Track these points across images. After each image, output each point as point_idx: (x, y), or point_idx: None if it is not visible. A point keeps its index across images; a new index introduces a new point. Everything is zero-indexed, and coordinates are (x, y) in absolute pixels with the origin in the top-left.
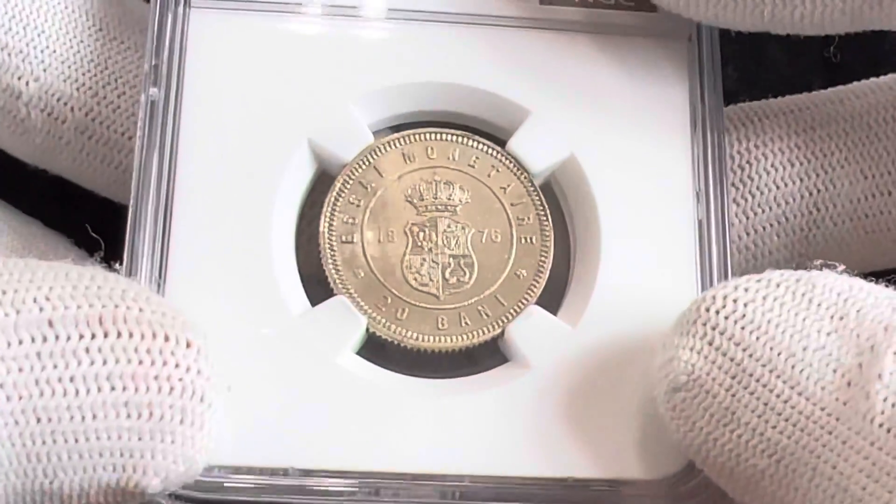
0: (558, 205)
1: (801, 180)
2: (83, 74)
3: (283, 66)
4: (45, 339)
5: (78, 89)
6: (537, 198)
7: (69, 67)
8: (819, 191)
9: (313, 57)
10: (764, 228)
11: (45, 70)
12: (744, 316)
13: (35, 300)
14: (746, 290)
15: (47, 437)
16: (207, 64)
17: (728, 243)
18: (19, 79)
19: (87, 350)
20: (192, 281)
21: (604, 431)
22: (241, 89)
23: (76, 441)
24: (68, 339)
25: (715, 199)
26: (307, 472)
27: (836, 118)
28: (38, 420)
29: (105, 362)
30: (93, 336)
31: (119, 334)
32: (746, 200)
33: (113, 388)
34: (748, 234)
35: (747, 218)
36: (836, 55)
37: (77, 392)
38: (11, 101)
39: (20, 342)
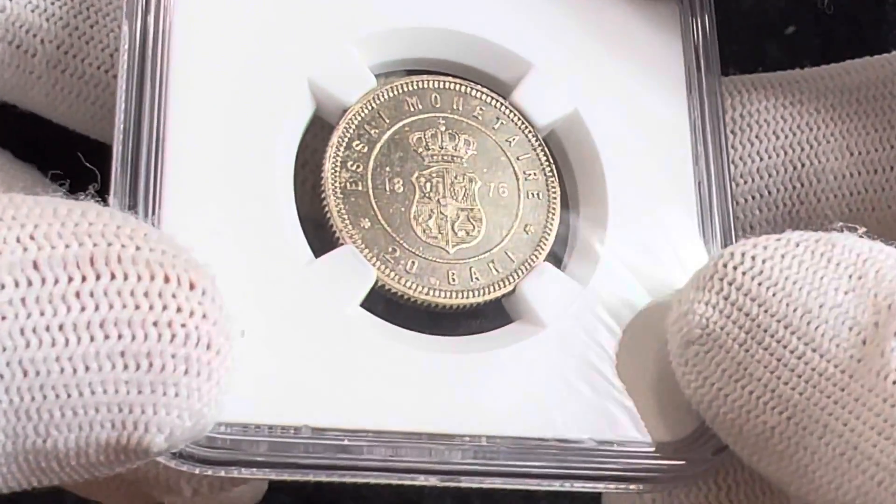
0: (562, 160)
1: (786, 153)
2: (52, 3)
3: (281, 6)
4: (30, 283)
5: (47, 20)
6: (543, 153)
7: (75, 17)
8: (804, 165)
9: None
10: (746, 200)
11: (51, 21)
12: (762, 272)
13: (18, 240)
14: (766, 247)
15: (36, 391)
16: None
17: (730, 204)
18: (27, 31)
19: (78, 294)
20: (188, 225)
21: (619, 392)
22: (237, 23)
23: (68, 396)
24: (56, 282)
25: (715, 159)
26: (321, 431)
27: (825, 93)
28: (26, 373)
29: (97, 308)
30: (83, 279)
31: (113, 276)
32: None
33: (107, 337)
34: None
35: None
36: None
37: (67, 341)
38: (20, 54)
39: (2, 287)
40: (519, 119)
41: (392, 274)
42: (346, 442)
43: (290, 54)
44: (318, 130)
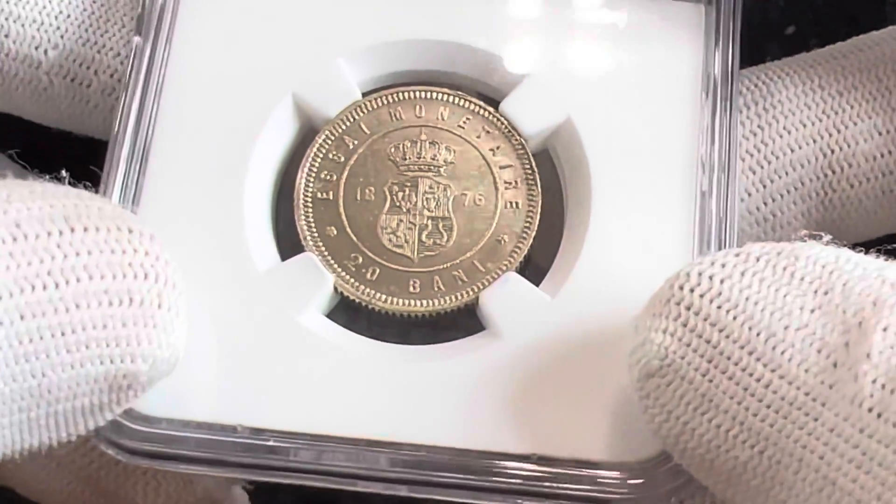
0: (556, 172)
1: (815, 141)
2: (101, 36)
3: (272, 17)
4: (14, 239)
5: (99, 52)
6: (527, 162)
7: (87, 31)
8: (833, 151)
9: (304, 9)
10: (781, 196)
11: (62, 36)
12: (720, 294)
13: None
14: (724, 265)
15: (34, 333)
16: (198, 14)
17: (732, 217)
18: (37, 48)
19: (59, 245)
20: (161, 229)
21: (575, 409)
22: (229, 39)
23: (63, 335)
24: (37, 237)
25: (721, 170)
26: (257, 431)
27: (845, 74)
28: (23, 317)
29: (78, 254)
30: (60, 232)
31: (85, 229)
32: (762, 167)
33: (91, 278)
34: (766, 203)
35: (764, 187)
36: None
37: (57, 285)
38: (31, 71)
39: None
40: (507, 128)
41: (351, 281)
42: (271, 442)
43: (279, 68)
44: (308, 143)
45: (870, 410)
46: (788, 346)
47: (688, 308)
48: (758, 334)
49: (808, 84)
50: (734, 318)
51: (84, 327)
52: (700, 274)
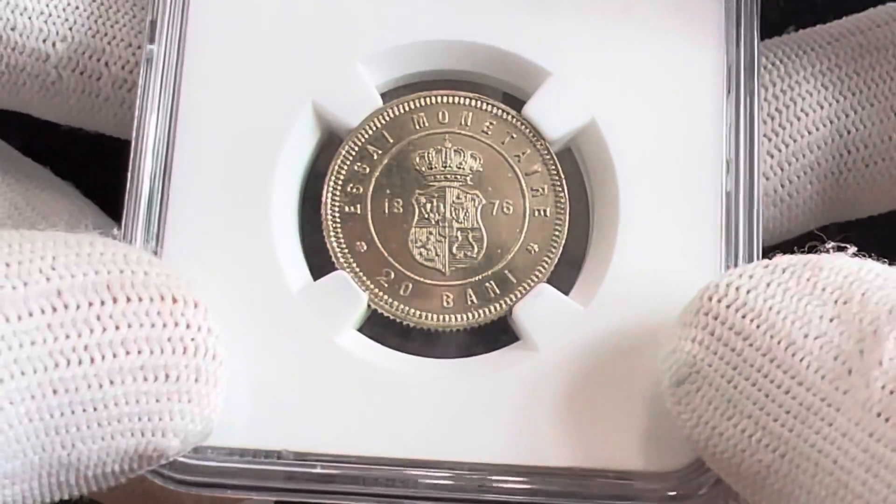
0: (580, 174)
1: (832, 122)
2: (112, 27)
3: (288, 23)
4: (55, 310)
5: (109, 43)
6: (553, 167)
7: (96, 22)
8: (849, 132)
9: (320, 13)
10: (798, 178)
11: (70, 28)
12: (745, 304)
13: (41, 270)
14: (752, 276)
15: (66, 408)
16: (211, 19)
17: (758, 217)
18: (45, 41)
19: (99, 317)
20: (188, 253)
21: (612, 420)
22: (244, 46)
23: (95, 409)
24: (78, 307)
25: (745, 169)
26: (301, 456)
27: (860, 52)
28: (55, 392)
29: (118, 328)
30: (102, 303)
31: (129, 299)
32: (780, 151)
33: (128, 353)
34: (783, 186)
35: (782, 170)
36: None
37: (93, 360)
38: (39, 65)
39: (30, 314)
40: (531, 132)
41: (385, 297)
42: (317, 468)
43: (297, 77)
44: (332, 153)
45: (879, 415)
46: (807, 353)
47: (715, 318)
48: (779, 342)
49: (825, 63)
50: (757, 326)
51: (116, 403)
52: (728, 285)
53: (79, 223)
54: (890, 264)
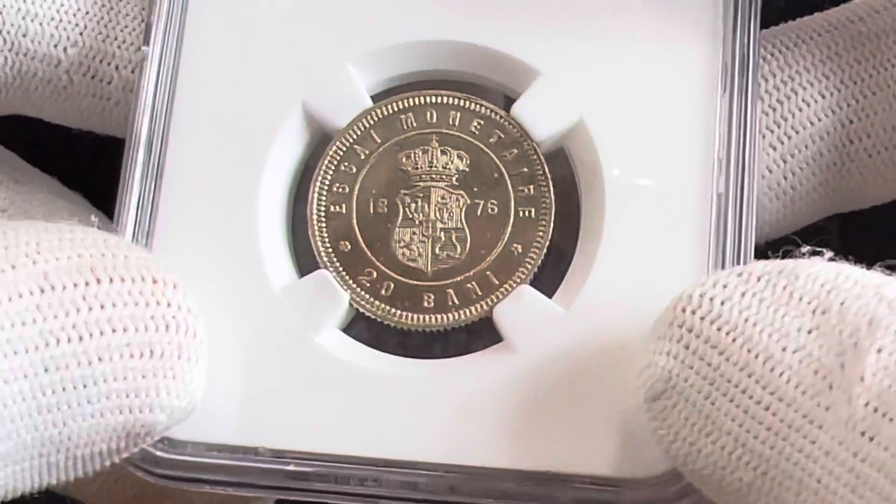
0: (573, 176)
1: (834, 112)
2: (122, 31)
3: (280, 23)
4: (42, 292)
5: (119, 47)
6: (540, 168)
7: (106, 26)
8: (852, 122)
9: (312, 14)
10: (801, 169)
11: (81, 33)
12: (720, 316)
13: (27, 255)
14: (725, 286)
15: (57, 386)
16: (205, 22)
17: (750, 220)
18: (56, 46)
19: (84, 298)
20: (176, 249)
21: (589, 425)
22: (237, 48)
23: (84, 386)
24: (64, 288)
25: (738, 169)
26: (278, 453)
27: (861, 40)
28: (47, 370)
29: (103, 307)
30: (87, 284)
31: (111, 280)
32: (783, 143)
33: (114, 331)
34: (786, 178)
35: (785, 162)
36: None
37: (81, 338)
38: (51, 70)
39: (20, 296)
40: (519, 133)
41: (367, 297)
42: (291, 465)
43: (287, 77)
44: (321, 152)
45: (862, 434)
46: (786, 367)
47: (689, 330)
48: (756, 356)
49: (824, 52)
50: (733, 340)
51: (105, 379)
52: (702, 296)
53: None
54: (891, 262)
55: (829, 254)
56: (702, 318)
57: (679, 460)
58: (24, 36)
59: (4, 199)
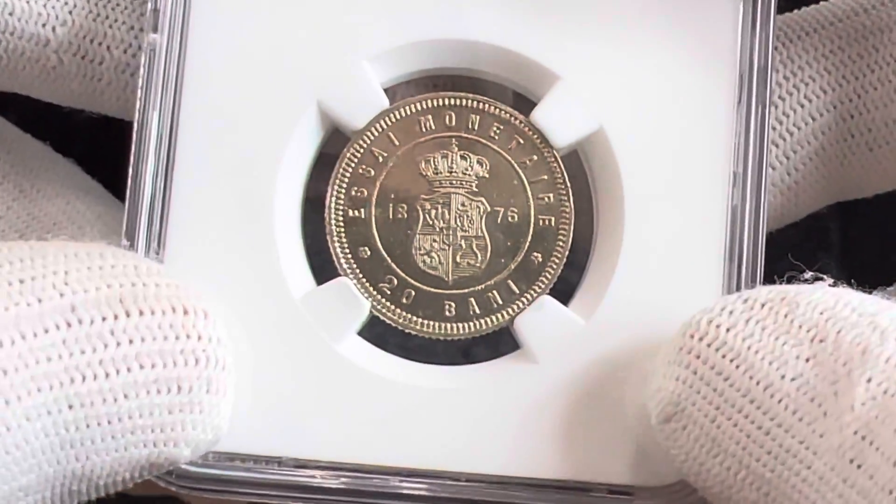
0: (586, 181)
1: (835, 107)
2: (113, 10)
3: (294, 19)
4: (69, 326)
5: (110, 26)
6: (560, 175)
7: (96, 5)
8: (853, 116)
9: (327, 9)
10: (804, 165)
11: (70, 12)
12: (725, 343)
13: (54, 286)
14: (731, 312)
15: (81, 423)
16: (215, 14)
17: (762, 232)
18: (44, 25)
19: (113, 332)
20: (190, 257)
21: (608, 435)
22: (249, 43)
23: (109, 423)
24: (92, 322)
25: (752, 182)
26: (300, 463)
27: (863, 34)
28: (71, 407)
29: (132, 342)
30: (115, 317)
31: (141, 313)
32: (785, 140)
33: (142, 367)
34: (789, 174)
35: (787, 159)
36: None
37: (107, 375)
38: (39, 49)
39: (46, 331)
40: (538, 138)
41: (388, 305)
42: (315, 475)
43: (302, 75)
44: (335, 154)
45: (850, 461)
46: (784, 395)
47: (697, 356)
48: (757, 383)
49: (828, 46)
50: (737, 367)
51: (131, 416)
52: (709, 322)
53: (83, 203)
54: (889, 259)
55: (830, 280)
56: (708, 346)
57: (691, 478)
58: (10, 14)
59: (5, 164)
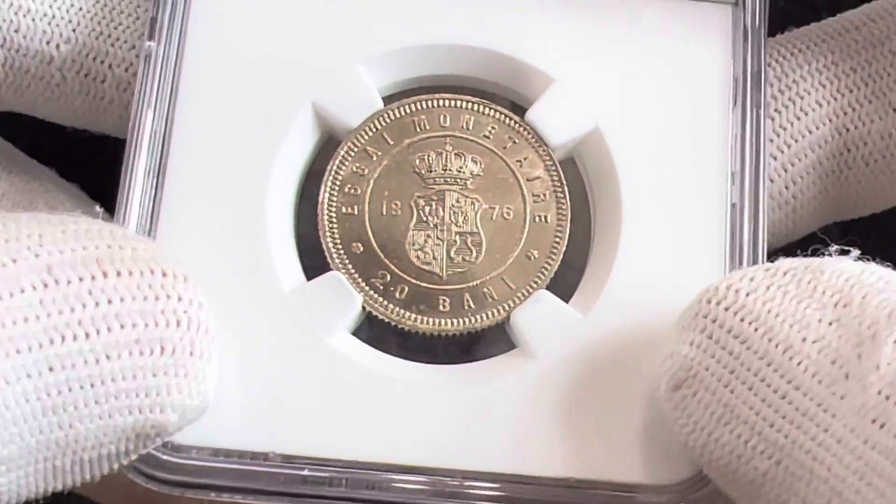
0: (581, 181)
1: (831, 121)
2: (115, 28)
3: (289, 21)
4: (46, 286)
5: (112, 45)
6: (555, 173)
7: (99, 23)
8: (849, 130)
9: (321, 13)
10: (801, 178)
11: (74, 30)
12: (744, 307)
13: (29, 248)
14: (752, 279)
15: (63, 386)
16: (210, 17)
17: (763, 229)
18: (48, 43)
19: (91, 292)
20: (181, 250)
21: (610, 430)
22: (244, 45)
23: (92, 386)
24: (69, 283)
25: (751, 180)
26: (288, 458)
27: (857, 49)
28: (52, 369)
29: (111, 302)
30: (93, 278)
31: (119, 273)
32: (783, 152)
33: (123, 327)
34: (787, 187)
35: (785, 171)
36: None
37: (87, 335)
38: (43, 67)
39: (22, 291)
40: (533, 138)
41: (380, 300)
42: (305, 471)
43: (297, 75)
44: (329, 153)
45: (874, 421)
46: (804, 357)
47: (713, 321)
48: (776, 346)
49: (821, 61)
50: (755, 329)
51: (114, 378)
52: (728, 288)
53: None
54: (889, 260)
55: (855, 252)
56: (725, 310)
57: (697, 451)
58: (16, 31)
59: (4, 182)
